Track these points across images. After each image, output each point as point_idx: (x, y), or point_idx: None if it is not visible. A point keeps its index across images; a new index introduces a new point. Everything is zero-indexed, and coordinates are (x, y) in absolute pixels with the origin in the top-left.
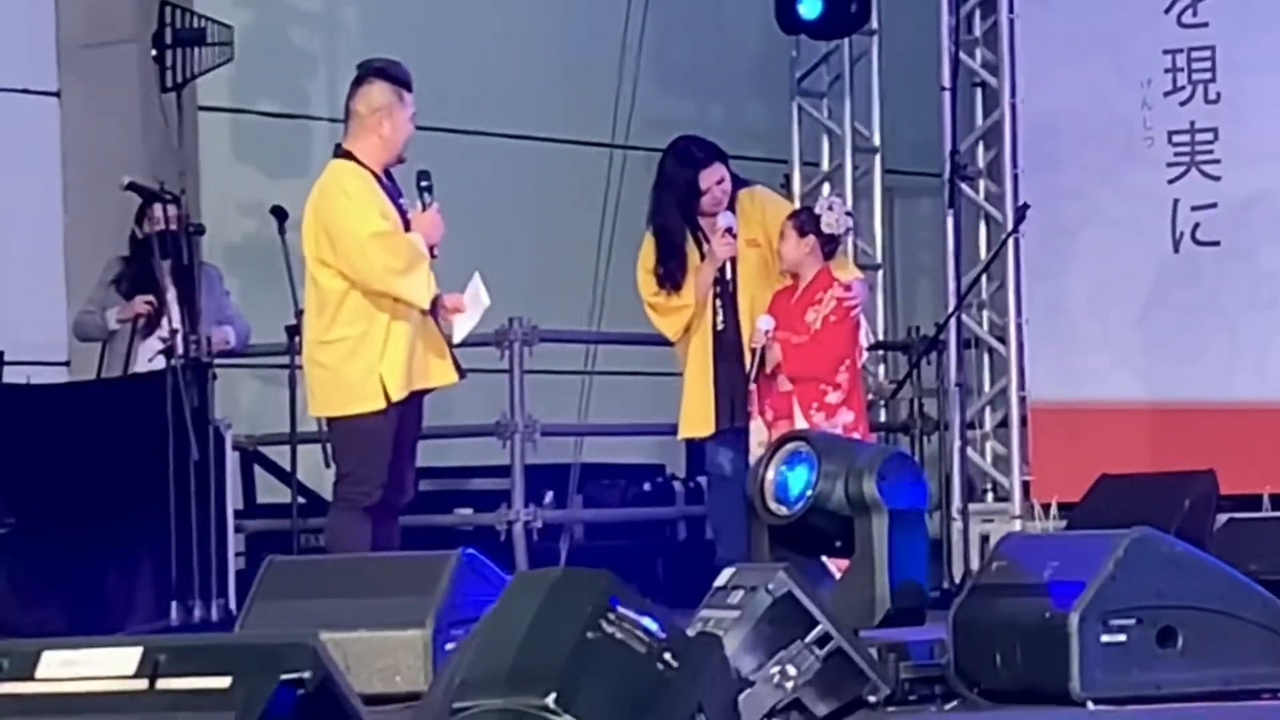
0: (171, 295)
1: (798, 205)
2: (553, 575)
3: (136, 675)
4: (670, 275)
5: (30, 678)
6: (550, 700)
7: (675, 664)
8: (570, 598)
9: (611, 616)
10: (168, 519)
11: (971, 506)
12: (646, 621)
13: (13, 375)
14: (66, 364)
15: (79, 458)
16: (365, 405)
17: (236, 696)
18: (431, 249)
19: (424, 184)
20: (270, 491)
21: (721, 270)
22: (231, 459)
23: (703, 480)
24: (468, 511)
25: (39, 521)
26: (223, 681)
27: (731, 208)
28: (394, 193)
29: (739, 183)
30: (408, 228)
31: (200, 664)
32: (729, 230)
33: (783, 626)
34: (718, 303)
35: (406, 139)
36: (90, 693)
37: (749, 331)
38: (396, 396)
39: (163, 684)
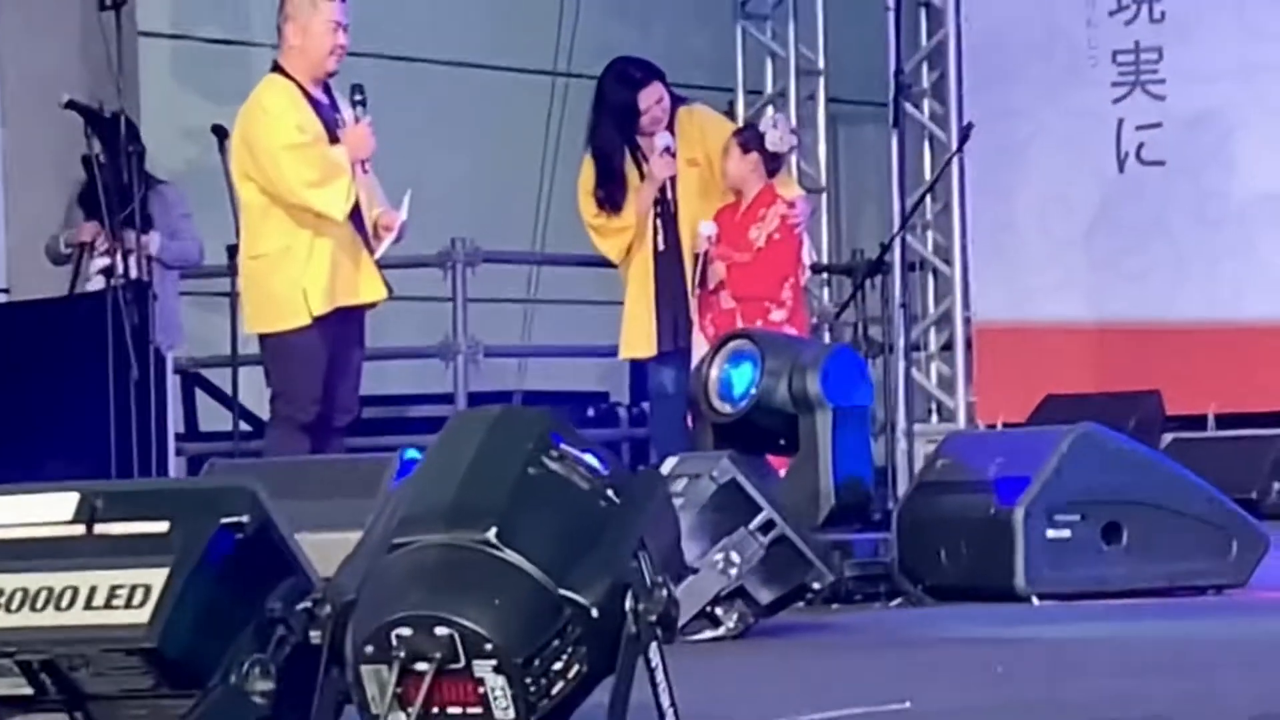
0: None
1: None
2: (493, 413)
3: (74, 520)
4: (610, 197)
5: None
6: (491, 534)
7: (617, 500)
8: (511, 434)
9: (553, 453)
10: (108, 440)
11: (916, 428)
12: (588, 458)
13: None
14: (5, 290)
15: (19, 377)
16: (290, 321)
17: (175, 540)
18: (364, 164)
19: (357, 98)
20: (213, 418)
21: (662, 190)
22: (173, 381)
23: (646, 406)
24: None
25: None
26: (161, 526)
27: (671, 128)
28: (328, 108)
29: (677, 101)
30: (338, 142)
31: (138, 508)
32: (667, 149)
33: (727, 513)
34: (658, 222)
35: (324, 48)
36: (27, 539)
37: (690, 248)
38: (318, 310)
39: (100, 529)
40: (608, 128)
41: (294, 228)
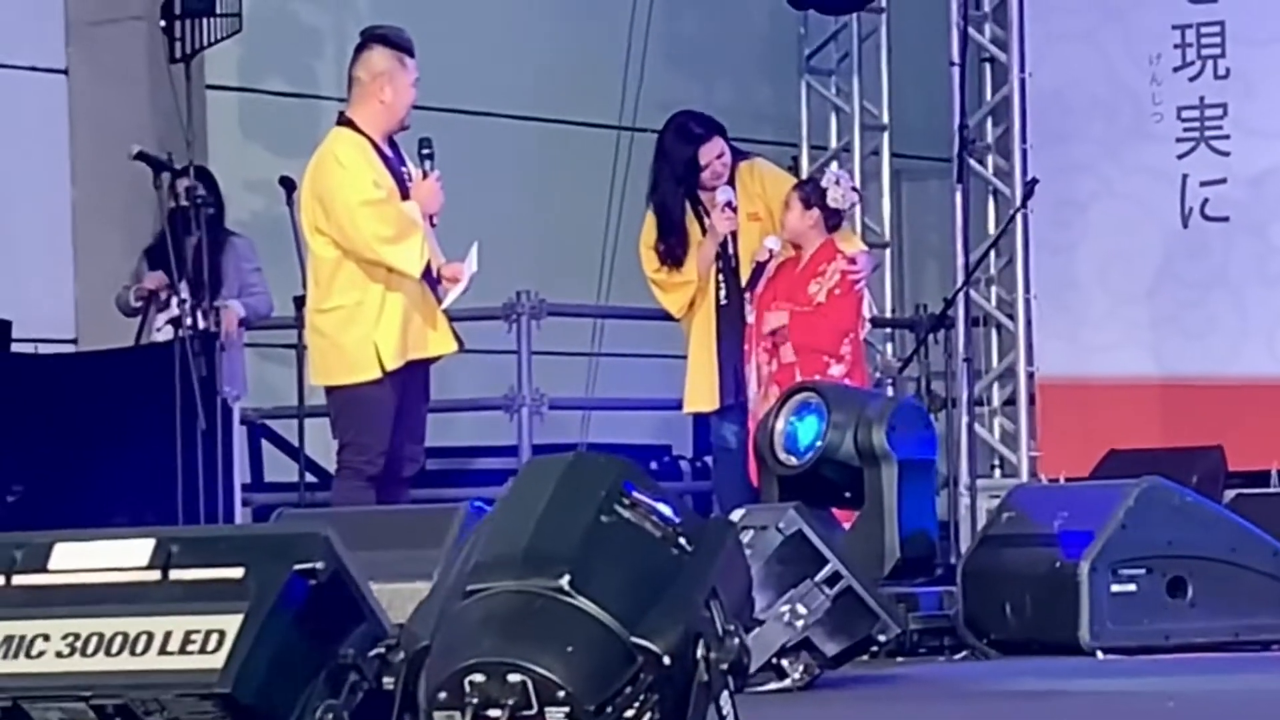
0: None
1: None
2: (566, 460)
3: (149, 566)
4: (671, 251)
5: (43, 569)
6: (564, 582)
7: (689, 548)
8: (584, 482)
9: (626, 501)
10: (175, 491)
11: (979, 482)
12: (661, 506)
13: (20, 350)
14: (74, 341)
15: (87, 427)
16: (361, 375)
17: (250, 586)
18: (431, 218)
19: (425, 151)
20: (278, 469)
21: (724, 244)
22: (239, 432)
23: (709, 460)
24: (474, 490)
25: (47, 490)
26: (236, 572)
27: (731, 182)
28: (395, 161)
29: (738, 156)
30: (407, 197)
31: (213, 555)
32: (729, 205)
33: (793, 565)
34: (720, 277)
35: (408, 105)
36: (103, 584)
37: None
38: (391, 365)
39: (175, 574)
40: (669, 182)
41: (367, 282)
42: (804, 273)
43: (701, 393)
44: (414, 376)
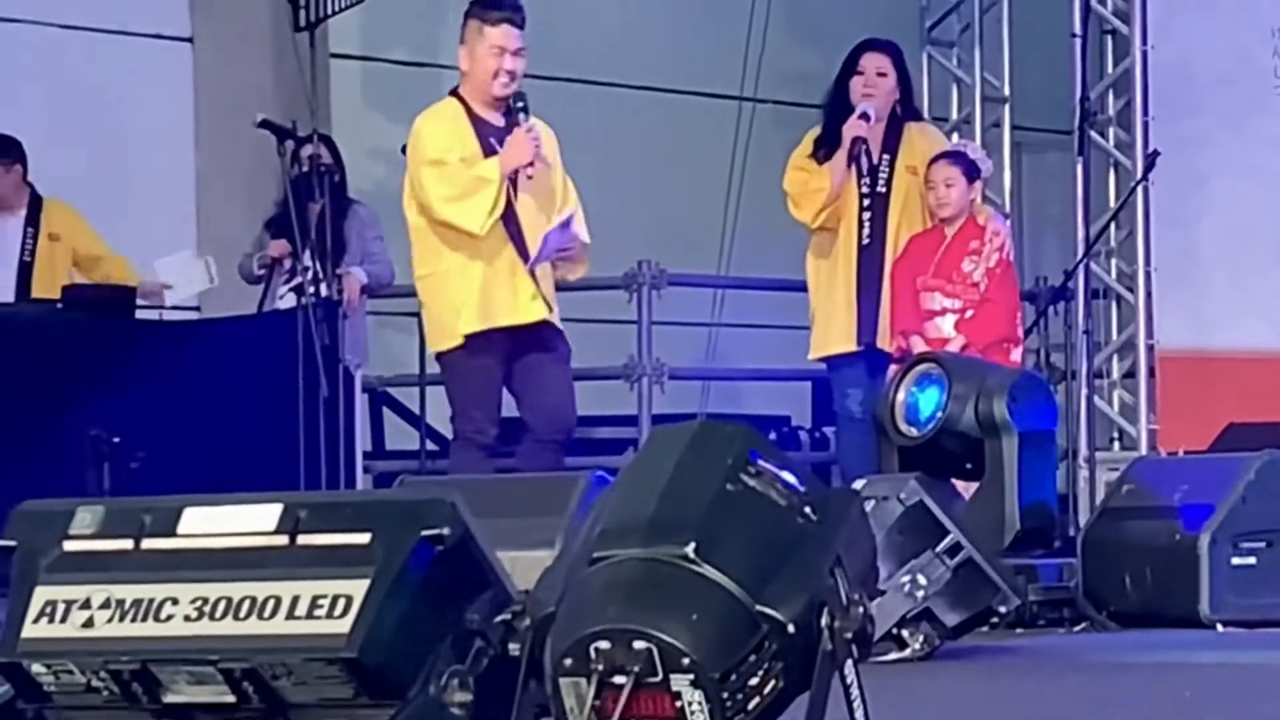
0: (308, 235)
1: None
2: (692, 428)
3: (277, 531)
4: (828, 142)
5: (172, 534)
6: (690, 550)
7: (815, 517)
8: (709, 450)
9: (751, 469)
10: (297, 457)
11: (1098, 455)
12: (786, 475)
13: (144, 317)
14: (197, 308)
15: (210, 394)
16: (448, 341)
17: (376, 552)
18: (523, 170)
19: (519, 105)
20: (399, 437)
21: (874, 180)
22: (361, 400)
23: (829, 430)
24: (594, 459)
25: (170, 457)
26: (362, 537)
27: (899, 132)
28: (502, 130)
29: (915, 116)
30: None
31: (340, 520)
32: (863, 115)
33: (914, 536)
34: (866, 215)
35: (487, 71)
36: (231, 549)
37: (895, 248)
38: (467, 329)
39: (303, 539)
40: (839, 88)
41: (446, 248)
42: (953, 250)
43: (838, 334)
44: (519, 342)
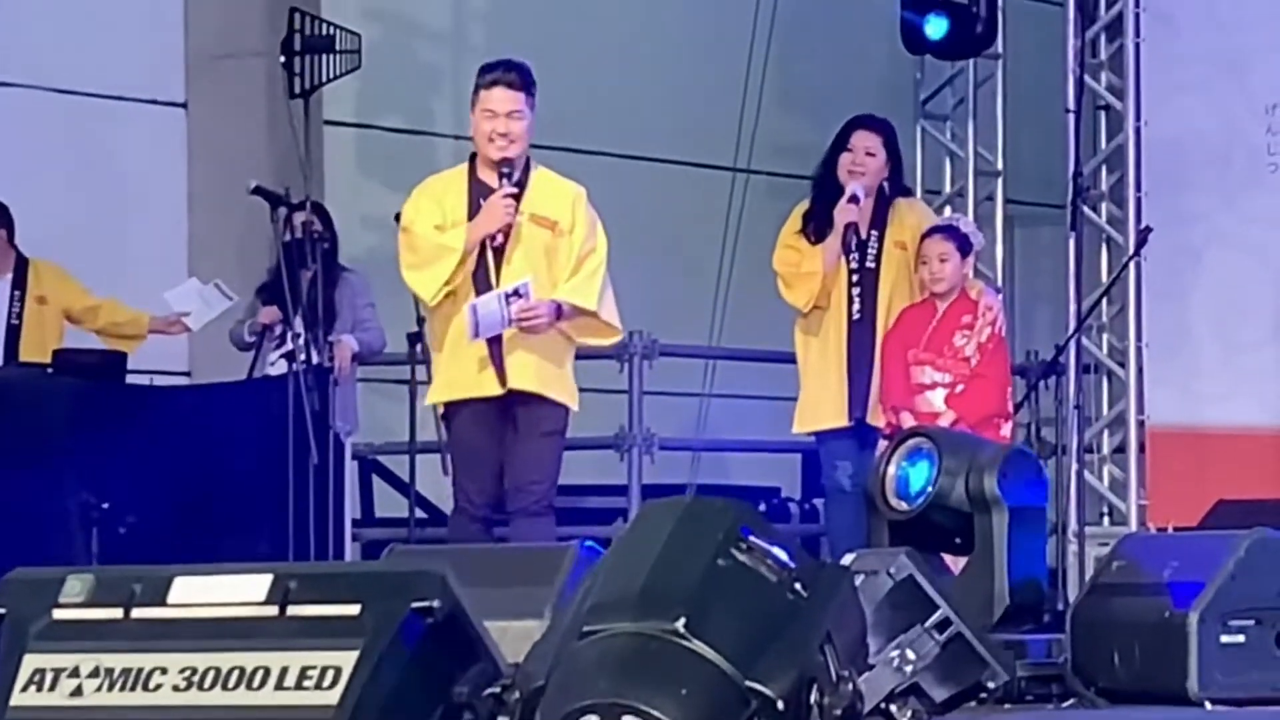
0: (300, 302)
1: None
2: (684, 503)
3: (267, 601)
4: (818, 218)
5: (162, 603)
6: (680, 624)
7: (805, 593)
8: (701, 525)
9: (742, 544)
10: (286, 524)
11: (1088, 530)
12: (777, 551)
13: (135, 382)
14: (187, 374)
15: (200, 460)
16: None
17: (366, 623)
18: (499, 234)
19: (504, 170)
20: (389, 504)
21: (863, 255)
22: (351, 467)
23: (818, 502)
24: (583, 528)
25: (159, 522)
26: (352, 609)
27: (887, 208)
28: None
29: (902, 192)
30: None
31: (330, 591)
32: (854, 198)
33: (903, 610)
34: (855, 290)
35: (483, 134)
36: (221, 619)
37: (886, 323)
38: (434, 399)
39: (293, 610)
40: (827, 167)
41: (431, 315)
42: (945, 323)
43: (828, 408)
44: (503, 413)
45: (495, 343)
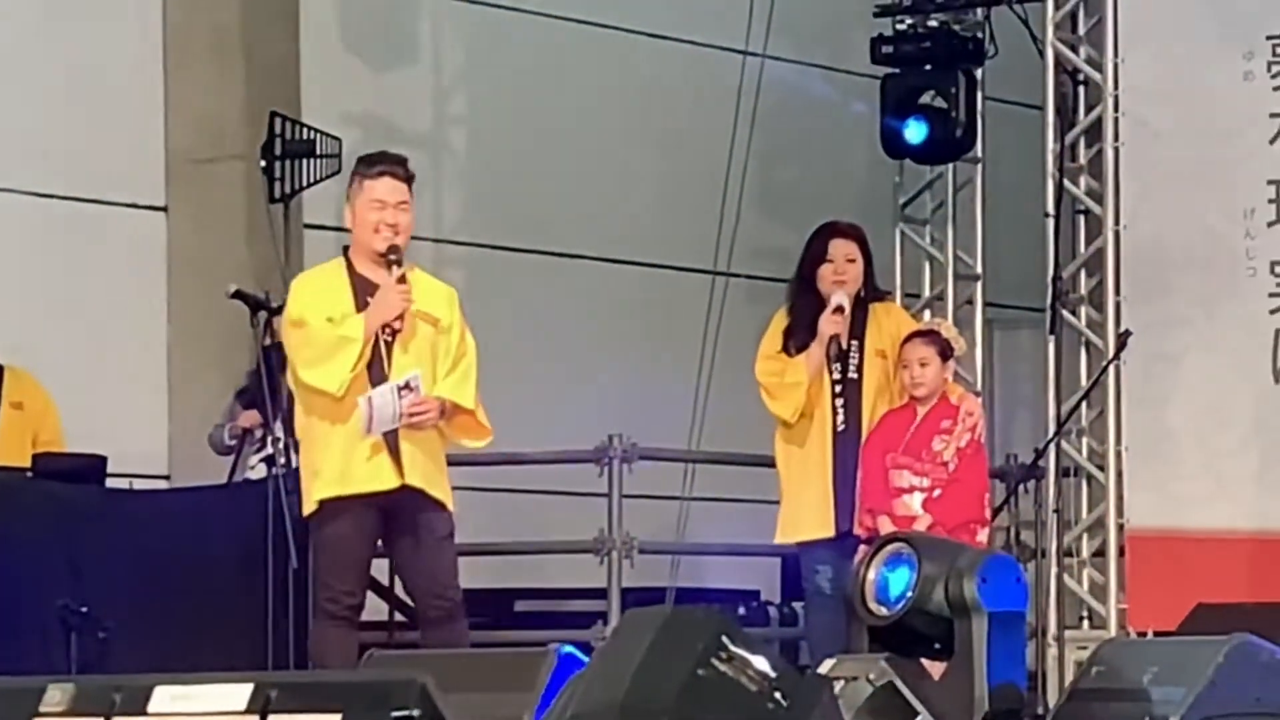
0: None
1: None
2: (664, 613)
3: (248, 711)
4: (798, 330)
5: (143, 713)
6: None
7: (785, 703)
8: (682, 635)
9: (722, 655)
10: (265, 628)
11: (1067, 634)
12: (757, 661)
13: (114, 485)
14: (167, 477)
15: (178, 564)
16: (308, 507)
17: None
18: (392, 324)
19: (392, 258)
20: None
21: (845, 366)
22: None
23: (797, 606)
24: (562, 632)
25: (137, 626)
26: (333, 718)
27: (865, 315)
28: (375, 288)
29: (878, 295)
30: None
31: (311, 700)
32: (839, 309)
33: (883, 716)
34: (839, 401)
35: (367, 225)
36: None
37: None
38: (321, 494)
39: (274, 719)
40: (802, 275)
41: (312, 411)
42: (924, 427)
43: (814, 520)
44: (388, 511)
45: (391, 435)
